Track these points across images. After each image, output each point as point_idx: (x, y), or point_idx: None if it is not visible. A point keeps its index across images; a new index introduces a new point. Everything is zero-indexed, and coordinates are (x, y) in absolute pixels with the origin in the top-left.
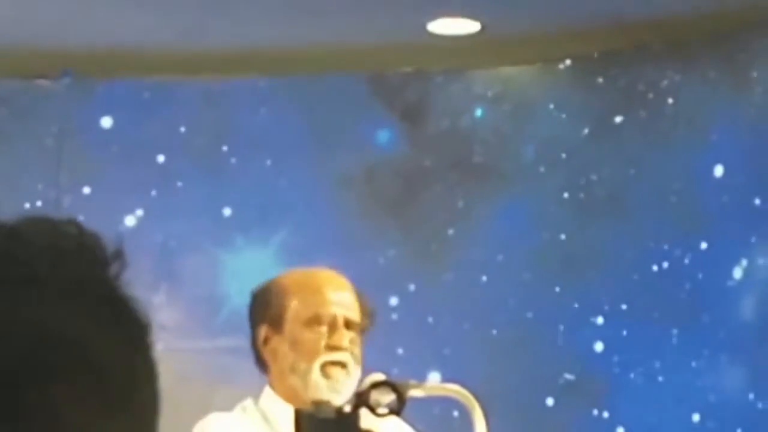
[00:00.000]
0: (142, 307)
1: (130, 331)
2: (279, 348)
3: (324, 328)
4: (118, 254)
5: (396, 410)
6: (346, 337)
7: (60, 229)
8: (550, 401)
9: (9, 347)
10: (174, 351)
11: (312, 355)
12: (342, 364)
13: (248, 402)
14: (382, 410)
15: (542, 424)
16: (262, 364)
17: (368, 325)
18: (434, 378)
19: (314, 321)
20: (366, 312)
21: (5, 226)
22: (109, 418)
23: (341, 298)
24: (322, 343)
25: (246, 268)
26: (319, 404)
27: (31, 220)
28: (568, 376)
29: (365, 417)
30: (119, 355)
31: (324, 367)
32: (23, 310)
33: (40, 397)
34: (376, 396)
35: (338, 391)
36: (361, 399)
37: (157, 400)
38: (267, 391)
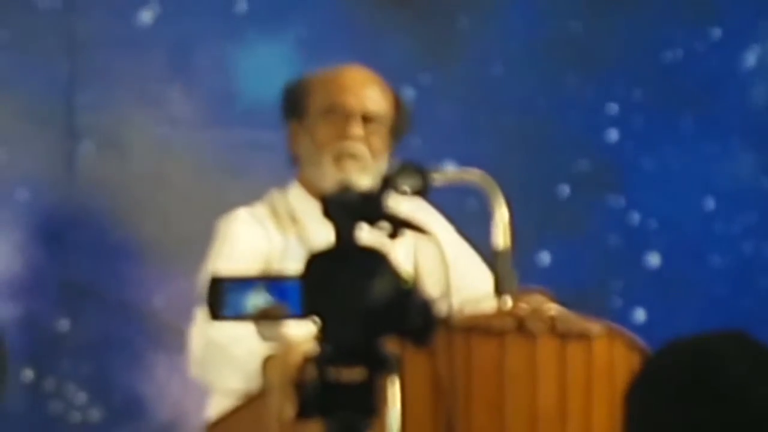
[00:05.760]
0: None
1: None
2: (303, 141)
3: (339, 118)
4: None
5: (421, 191)
6: (358, 127)
7: None
8: (565, 189)
9: None
10: (190, 144)
11: (324, 145)
12: (354, 156)
13: (276, 197)
14: (406, 191)
15: (558, 211)
16: (294, 159)
17: (402, 126)
18: (450, 167)
19: (330, 110)
20: (399, 111)
21: None
22: None
23: (362, 91)
24: (335, 133)
25: (259, 62)
26: (345, 188)
27: None
28: (583, 164)
29: (393, 201)
30: None
31: (338, 158)
32: None
33: None
34: (401, 179)
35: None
36: (387, 182)
37: None
38: (294, 185)
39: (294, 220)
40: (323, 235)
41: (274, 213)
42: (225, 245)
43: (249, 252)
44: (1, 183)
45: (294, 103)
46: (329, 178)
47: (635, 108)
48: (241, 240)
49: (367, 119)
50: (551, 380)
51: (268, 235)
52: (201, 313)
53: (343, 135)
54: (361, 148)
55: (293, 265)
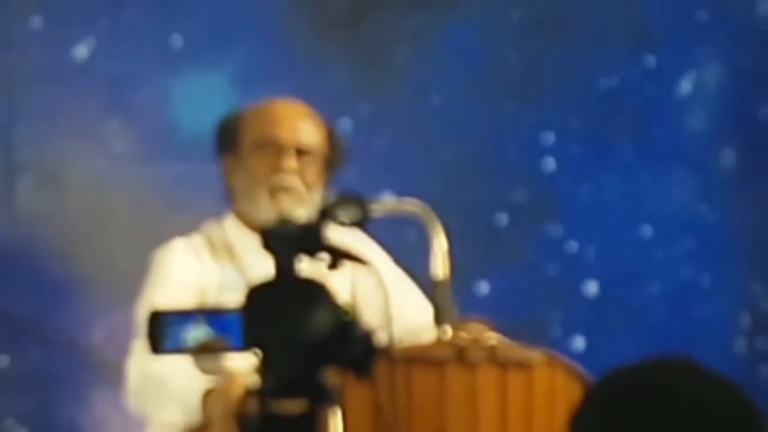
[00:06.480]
0: None
1: None
2: (237, 175)
3: (272, 152)
4: None
5: (359, 222)
6: (291, 160)
7: None
8: (503, 218)
9: None
10: (128, 178)
11: (258, 179)
12: (288, 189)
13: (212, 228)
14: (345, 222)
15: (496, 240)
16: (229, 193)
17: (337, 159)
18: (388, 198)
19: (263, 144)
20: (334, 145)
21: None
22: None
23: (295, 124)
24: (269, 166)
25: (195, 95)
26: (284, 220)
27: None
28: (521, 194)
29: (331, 232)
30: None
31: (272, 191)
32: None
33: None
34: (339, 210)
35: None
36: (325, 214)
37: None
38: (230, 217)
39: (230, 251)
40: (259, 266)
41: (210, 244)
42: (161, 276)
43: (184, 282)
44: None
45: (228, 137)
46: (264, 212)
47: (572, 136)
48: (176, 270)
49: (300, 152)
50: (492, 409)
51: (203, 265)
52: (138, 345)
53: (276, 168)
54: (294, 181)
55: (229, 295)
